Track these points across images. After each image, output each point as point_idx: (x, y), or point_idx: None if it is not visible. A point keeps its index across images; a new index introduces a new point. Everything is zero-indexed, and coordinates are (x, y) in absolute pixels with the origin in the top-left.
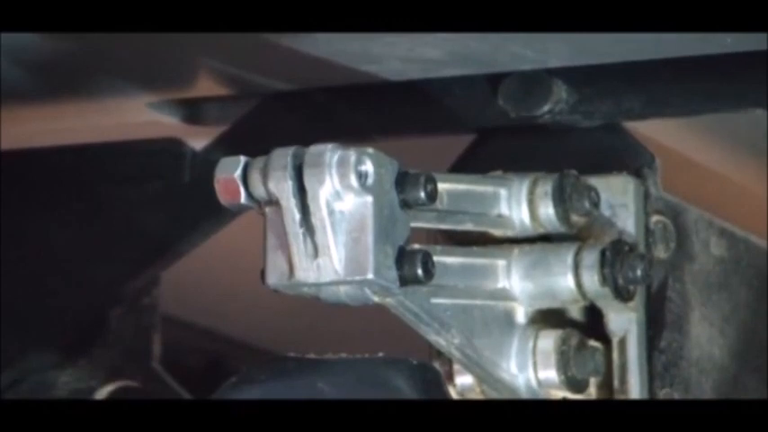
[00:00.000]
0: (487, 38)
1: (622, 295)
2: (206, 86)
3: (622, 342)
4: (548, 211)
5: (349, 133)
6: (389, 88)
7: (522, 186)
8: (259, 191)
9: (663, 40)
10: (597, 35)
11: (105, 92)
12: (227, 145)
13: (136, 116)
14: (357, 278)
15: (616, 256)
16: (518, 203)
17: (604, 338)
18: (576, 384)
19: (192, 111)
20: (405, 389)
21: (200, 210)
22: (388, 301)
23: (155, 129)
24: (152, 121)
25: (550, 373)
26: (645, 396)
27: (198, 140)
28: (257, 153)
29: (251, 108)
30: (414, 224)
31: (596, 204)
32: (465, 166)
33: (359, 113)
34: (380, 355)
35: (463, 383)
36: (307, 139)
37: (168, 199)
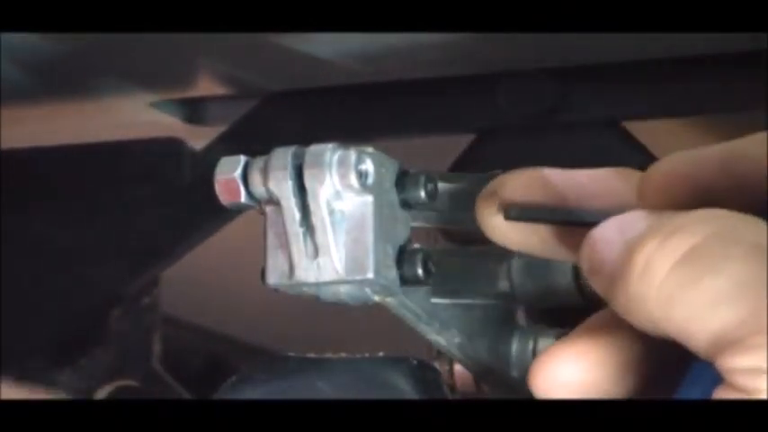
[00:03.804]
0: (487, 38)
1: None
2: (206, 86)
3: None
4: None
5: (349, 133)
6: (389, 88)
7: None
8: (259, 190)
9: (663, 40)
10: (597, 35)
11: (105, 92)
12: (227, 145)
13: (136, 116)
14: (357, 278)
15: None
16: None
17: None
18: None
19: (192, 111)
20: (405, 389)
21: (200, 210)
22: (389, 300)
23: (155, 129)
24: (152, 121)
25: None
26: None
27: (198, 140)
28: (257, 153)
29: (251, 108)
30: (414, 224)
31: None
32: (465, 166)
33: (359, 113)
34: (380, 354)
35: (463, 383)
36: (307, 139)
37: (168, 199)
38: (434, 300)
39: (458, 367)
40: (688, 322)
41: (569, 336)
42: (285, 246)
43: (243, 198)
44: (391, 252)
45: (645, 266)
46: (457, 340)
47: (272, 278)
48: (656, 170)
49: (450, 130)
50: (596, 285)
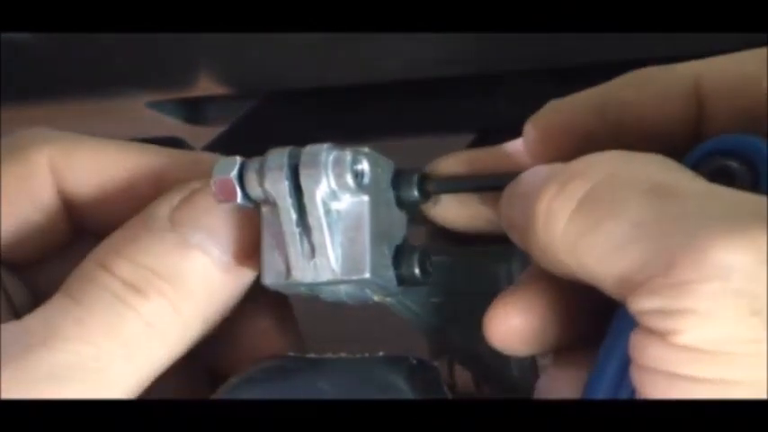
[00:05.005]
0: (487, 38)
1: None
2: (206, 86)
3: None
4: None
5: (348, 133)
6: (389, 88)
7: None
8: (256, 191)
9: (662, 40)
10: (597, 35)
11: (105, 92)
12: (227, 145)
13: (136, 116)
14: (354, 278)
15: None
16: None
17: None
18: None
19: (192, 111)
20: (405, 389)
21: None
22: (388, 300)
23: (155, 129)
24: (152, 121)
25: None
26: None
27: (198, 140)
28: (257, 153)
29: (251, 108)
30: (411, 223)
31: None
32: None
33: (359, 113)
34: (380, 354)
35: (463, 383)
36: (306, 139)
37: None
38: (434, 299)
39: (458, 367)
40: (594, 267)
41: (518, 285)
42: (282, 246)
43: (239, 198)
44: (388, 252)
45: (546, 216)
46: (457, 340)
47: (269, 278)
48: (534, 124)
49: (450, 130)
50: (514, 240)
